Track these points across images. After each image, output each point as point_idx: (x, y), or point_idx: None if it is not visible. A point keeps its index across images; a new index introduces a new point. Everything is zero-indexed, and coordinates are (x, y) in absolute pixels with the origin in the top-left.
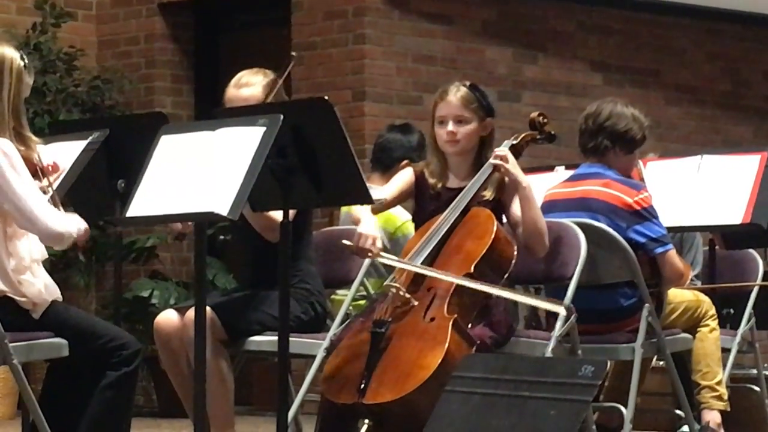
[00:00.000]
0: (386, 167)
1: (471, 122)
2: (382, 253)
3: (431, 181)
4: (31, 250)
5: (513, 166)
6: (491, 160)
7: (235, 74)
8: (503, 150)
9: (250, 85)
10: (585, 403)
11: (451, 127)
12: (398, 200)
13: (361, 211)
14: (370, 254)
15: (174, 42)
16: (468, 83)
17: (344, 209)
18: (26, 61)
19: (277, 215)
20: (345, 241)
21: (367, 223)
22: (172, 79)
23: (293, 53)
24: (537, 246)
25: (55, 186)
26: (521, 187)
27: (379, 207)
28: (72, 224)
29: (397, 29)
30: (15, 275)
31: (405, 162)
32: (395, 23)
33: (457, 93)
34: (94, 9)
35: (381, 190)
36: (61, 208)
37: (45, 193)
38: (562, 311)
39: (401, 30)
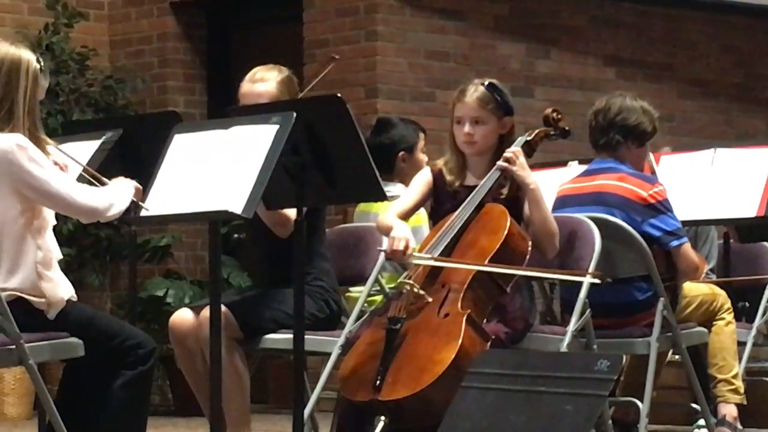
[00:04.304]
0: (389, 169)
1: (488, 122)
2: (414, 253)
3: (449, 178)
4: (54, 246)
5: (521, 167)
6: (499, 163)
7: (247, 72)
8: (512, 151)
9: (264, 80)
10: (601, 397)
11: (468, 128)
12: (421, 203)
13: (390, 218)
14: (404, 256)
15: (186, 41)
16: (486, 82)
17: (359, 208)
18: (42, 63)
19: (288, 211)
20: (379, 248)
21: (398, 228)
22: (184, 78)
23: (336, 56)
24: (547, 247)
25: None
26: (529, 189)
27: (405, 214)
28: (112, 195)
29: (409, 25)
30: (40, 268)
31: (402, 154)
32: (407, 19)
33: (474, 94)
34: (106, 9)
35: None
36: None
37: None
38: (586, 279)
39: (413, 26)
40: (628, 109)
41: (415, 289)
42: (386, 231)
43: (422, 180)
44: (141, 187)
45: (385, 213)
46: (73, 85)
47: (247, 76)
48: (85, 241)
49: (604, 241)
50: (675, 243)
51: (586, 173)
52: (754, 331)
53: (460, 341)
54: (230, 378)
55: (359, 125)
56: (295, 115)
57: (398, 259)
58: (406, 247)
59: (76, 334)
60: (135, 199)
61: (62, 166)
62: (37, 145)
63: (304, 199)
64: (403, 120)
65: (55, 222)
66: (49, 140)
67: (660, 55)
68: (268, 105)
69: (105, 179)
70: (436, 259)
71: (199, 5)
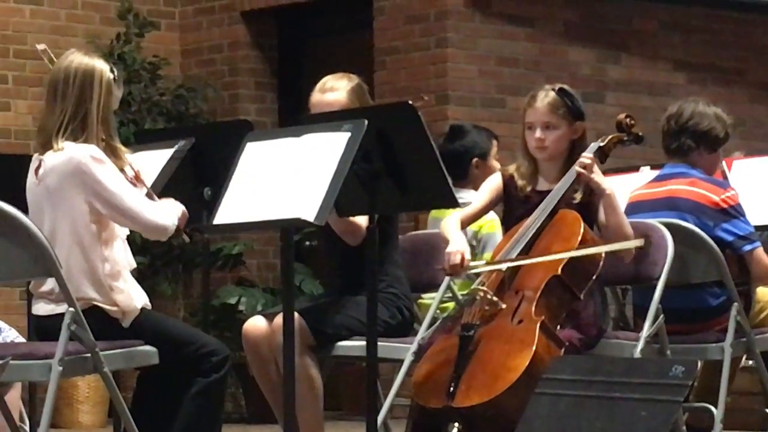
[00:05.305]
0: (462, 175)
1: (559, 127)
2: (471, 263)
3: (521, 183)
4: (124, 256)
5: (596, 173)
6: (575, 167)
7: (318, 80)
8: (588, 157)
9: (334, 89)
10: (676, 403)
11: (539, 133)
12: (489, 207)
13: (448, 229)
14: (462, 269)
15: (257, 49)
16: (557, 87)
17: (432, 214)
18: (116, 73)
19: (357, 219)
20: (438, 266)
21: (453, 242)
22: (255, 87)
23: (426, 96)
24: (624, 252)
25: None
26: (605, 194)
27: (471, 218)
28: (171, 214)
29: (479, 32)
30: (109, 280)
31: (476, 160)
32: (477, 26)
33: (544, 99)
34: (177, 18)
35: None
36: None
37: None
38: (639, 243)
39: (483, 33)
40: (701, 115)
41: (489, 296)
42: (445, 242)
43: (492, 185)
44: (187, 213)
45: (447, 219)
46: (144, 94)
47: (317, 86)
48: (157, 250)
49: (677, 247)
50: (748, 247)
51: (657, 178)
52: None
53: (534, 348)
54: (303, 385)
55: (430, 132)
56: (366, 122)
57: (457, 273)
58: (463, 259)
59: (151, 342)
60: (179, 226)
61: (136, 179)
62: (113, 154)
63: (376, 206)
64: (477, 127)
65: (128, 231)
66: (124, 149)
67: (731, 59)
68: (339, 113)
69: (155, 196)
70: (491, 264)
71: (269, 14)
